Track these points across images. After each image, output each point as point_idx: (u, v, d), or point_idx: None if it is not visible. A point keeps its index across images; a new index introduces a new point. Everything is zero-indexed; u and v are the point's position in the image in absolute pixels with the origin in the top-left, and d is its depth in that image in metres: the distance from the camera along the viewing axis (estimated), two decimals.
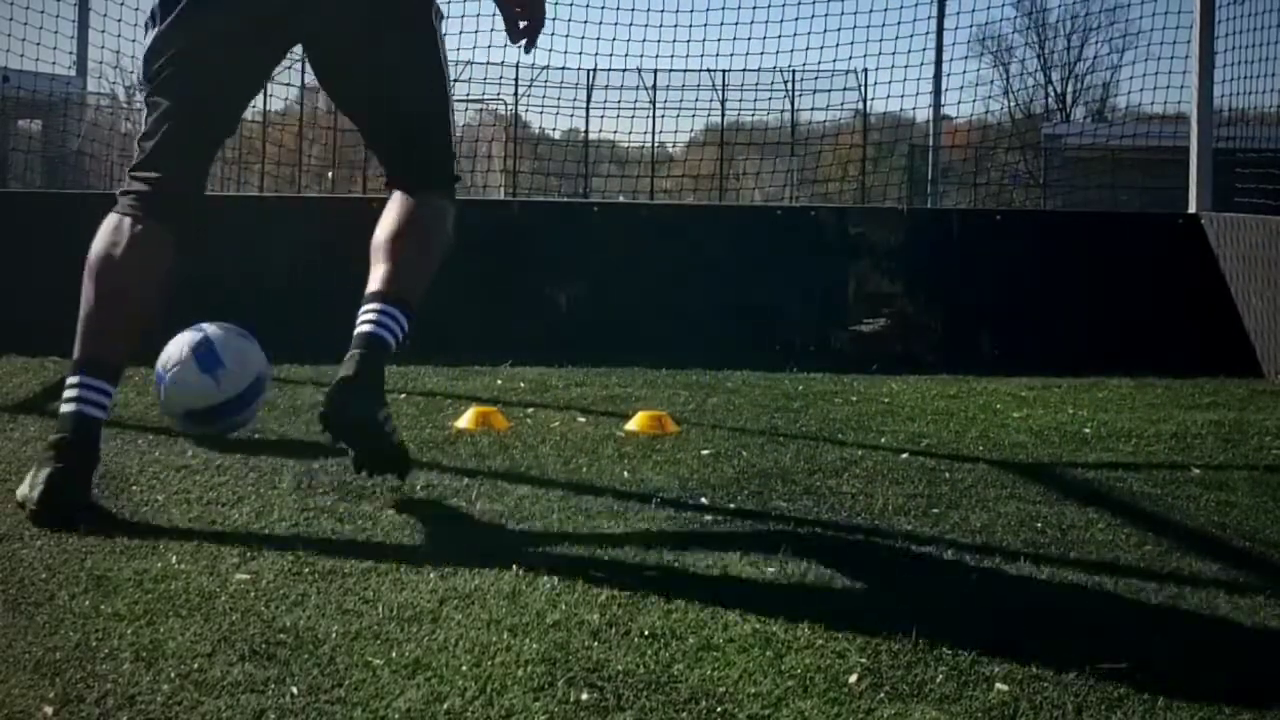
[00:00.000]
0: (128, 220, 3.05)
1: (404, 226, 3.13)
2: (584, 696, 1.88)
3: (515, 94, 19.54)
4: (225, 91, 3.07)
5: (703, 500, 3.08)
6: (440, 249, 3.21)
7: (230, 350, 3.72)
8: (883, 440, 3.90)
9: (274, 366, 5.02)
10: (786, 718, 1.84)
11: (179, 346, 3.73)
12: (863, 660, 2.04)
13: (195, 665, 1.95)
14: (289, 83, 19.79)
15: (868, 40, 15.28)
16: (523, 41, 3.24)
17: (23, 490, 2.83)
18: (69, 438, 2.81)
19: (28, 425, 3.77)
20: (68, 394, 2.87)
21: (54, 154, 15.03)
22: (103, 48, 22.49)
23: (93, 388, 2.86)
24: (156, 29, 3.00)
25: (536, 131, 23.21)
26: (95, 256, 3.02)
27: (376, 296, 3.06)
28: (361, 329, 3.02)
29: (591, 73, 18.93)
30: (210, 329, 3.76)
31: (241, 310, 5.65)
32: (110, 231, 3.06)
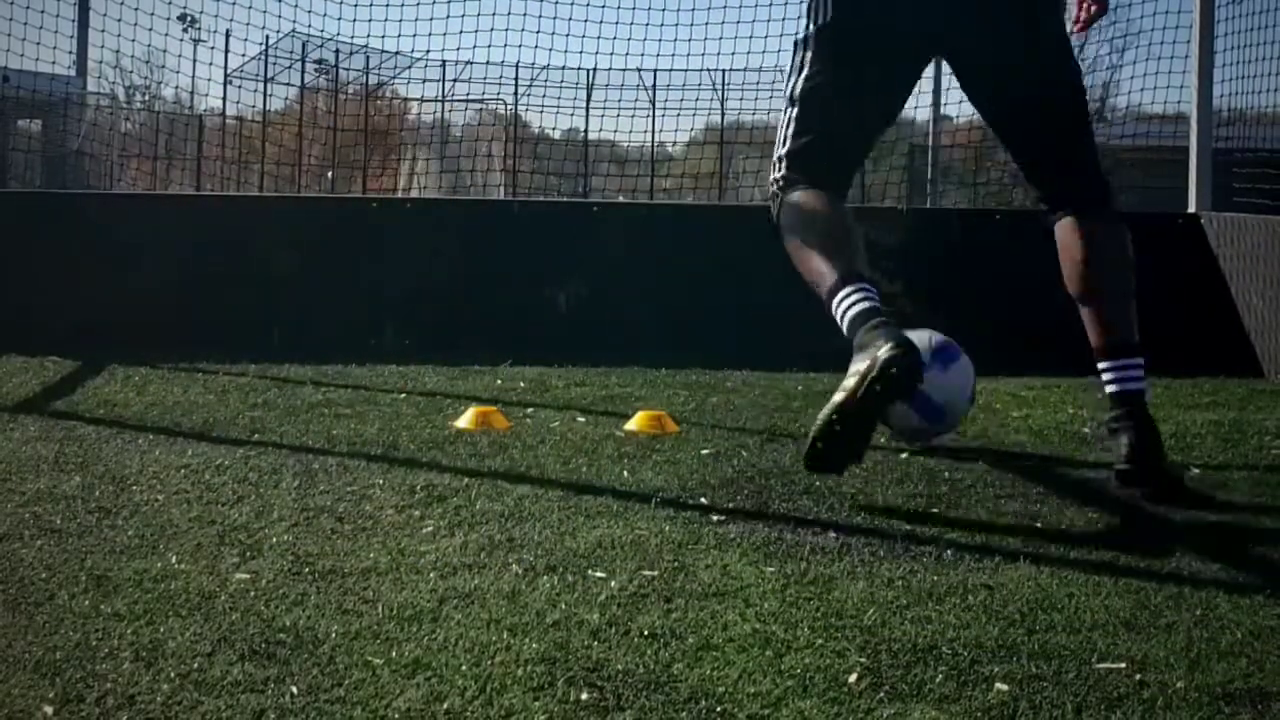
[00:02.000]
0: (801, 191, 3.26)
1: (1097, 263, 3.36)
2: (584, 696, 1.88)
3: (515, 94, 19.55)
4: (868, 111, 3.34)
5: (703, 500, 3.08)
6: (1132, 272, 3.38)
7: (942, 397, 3.64)
8: (883, 440, 3.89)
9: (274, 366, 5.04)
10: (786, 718, 1.84)
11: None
12: (863, 660, 2.04)
13: (195, 665, 1.95)
14: (289, 83, 19.80)
15: None
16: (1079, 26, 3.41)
17: (858, 365, 2.89)
18: (881, 320, 2.94)
19: (28, 425, 3.77)
20: (846, 304, 3.04)
21: (54, 154, 15.04)
22: (103, 48, 22.51)
23: (861, 289, 3.05)
24: (809, 50, 3.27)
25: (536, 131, 23.23)
26: (792, 217, 3.26)
27: (1106, 351, 3.31)
28: (1118, 389, 3.26)
29: (591, 73, 18.94)
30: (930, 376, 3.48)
31: (240, 311, 5.67)
32: (794, 201, 3.27)
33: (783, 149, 3.31)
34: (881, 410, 2.96)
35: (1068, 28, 3.36)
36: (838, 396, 2.88)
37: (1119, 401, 3.24)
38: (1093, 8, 3.39)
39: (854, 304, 3.03)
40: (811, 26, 3.28)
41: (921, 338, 3.53)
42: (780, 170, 3.31)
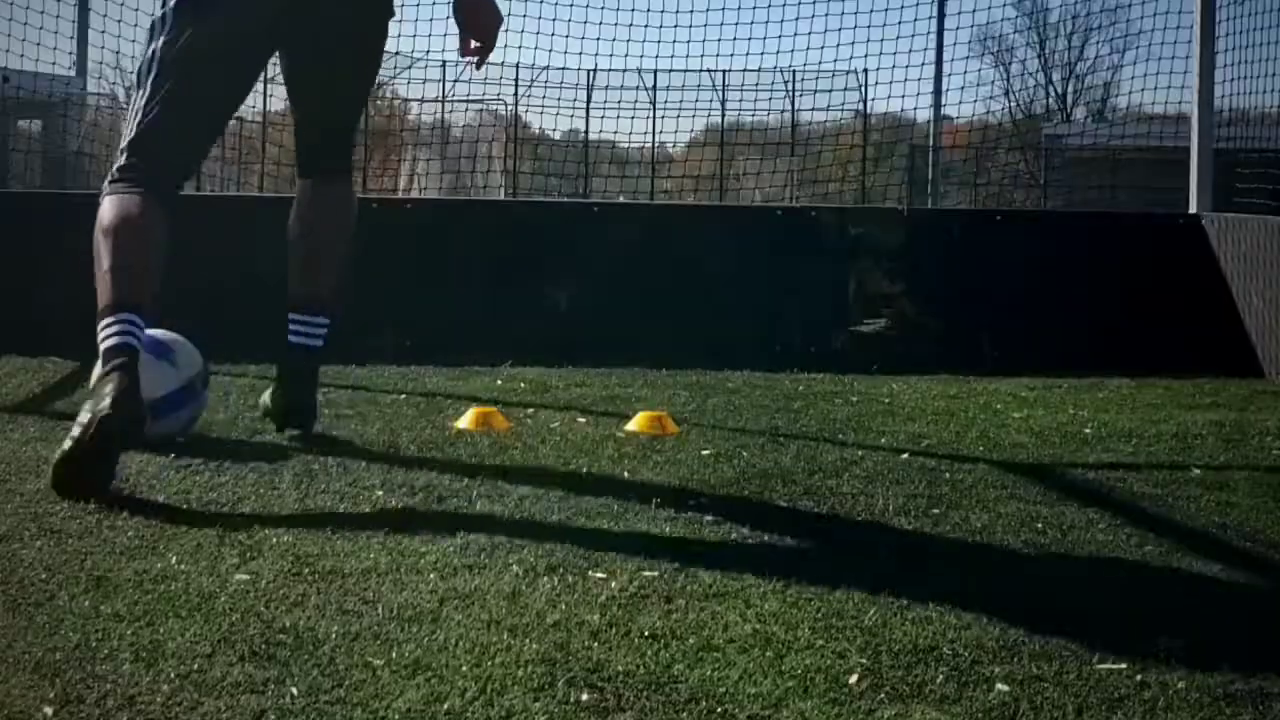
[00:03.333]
0: (130, 195, 3.31)
1: (315, 226, 3.82)
2: (584, 697, 1.88)
3: (515, 94, 19.55)
4: (224, 93, 3.48)
5: (703, 501, 3.08)
6: (346, 243, 3.85)
7: (171, 338, 3.66)
8: (883, 440, 3.90)
9: (274, 366, 5.02)
10: (786, 718, 1.84)
11: None
12: (863, 660, 2.04)
13: (195, 665, 1.95)
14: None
15: (868, 40, 15.30)
16: (472, 59, 3.61)
17: (83, 417, 2.93)
18: (121, 361, 3.06)
19: (28, 425, 3.77)
20: (105, 333, 3.13)
21: (54, 154, 15.04)
22: (103, 48, 22.46)
23: (126, 321, 3.15)
24: (164, 34, 3.29)
25: (536, 132, 23.24)
26: (107, 220, 3.29)
27: (297, 305, 3.80)
28: (296, 341, 3.77)
29: (591, 73, 18.93)
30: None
31: (239, 310, 5.66)
32: (115, 202, 3.31)
33: (130, 135, 3.33)
34: (114, 451, 2.97)
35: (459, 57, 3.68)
36: (67, 444, 2.93)
37: (294, 355, 3.73)
38: (475, 44, 3.59)
39: (110, 336, 3.14)
40: (169, 3, 3.30)
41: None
42: (122, 159, 3.34)
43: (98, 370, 3.08)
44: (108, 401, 2.93)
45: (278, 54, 3.59)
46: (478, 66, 3.61)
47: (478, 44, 3.56)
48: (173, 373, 3.56)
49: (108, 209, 3.30)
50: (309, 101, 3.70)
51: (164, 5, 3.30)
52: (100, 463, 2.92)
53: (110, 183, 3.34)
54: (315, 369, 3.78)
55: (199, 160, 3.80)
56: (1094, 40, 34.67)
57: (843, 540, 2.75)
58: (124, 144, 3.33)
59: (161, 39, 3.28)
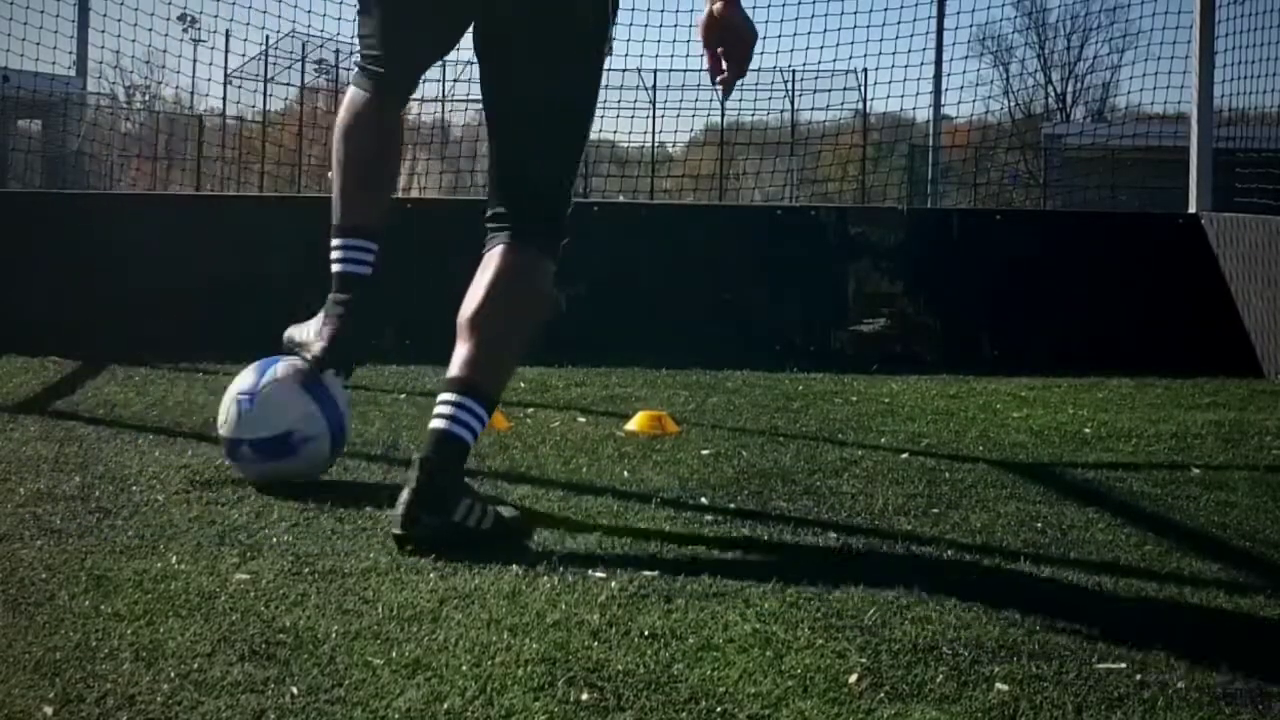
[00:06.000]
0: (365, 97, 3.07)
1: (490, 292, 2.91)
2: (584, 696, 1.88)
3: None
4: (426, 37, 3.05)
5: (703, 500, 3.08)
6: (534, 319, 3.00)
7: (271, 396, 3.19)
8: (883, 440, 3.90)
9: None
10: (786, 718, 1.84)
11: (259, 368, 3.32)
12: (863, 660, 2.04)
13: (195, 665, 1.95)
14: (289, 83, 19.81)
15: (868, 40, 15.32)
16: (721, 83, 2.92)
17: (304, 335, 3.06)
18: (342, 296, 3.04)
19: (28, 425, 3.77)
20: (334, 255, 3.07)
21: (54, 154, 15.05)
22: (103, 48, 22.50)
23: (355, 246, 3.06)
24: None
25: None
26: (342, 124, 3.09)
27: (456, 386, 2.80)
28: (433, 425, 2.78)
29: None
30: (279, 369, 3.23)
31: (241, 311, 5.67)
32: (350, 104, 3.10)
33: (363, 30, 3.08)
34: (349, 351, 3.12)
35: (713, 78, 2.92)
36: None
37: (428, 440, 2.77)
38: (725, 65, 2.88)
39: (337, 260, 3.11)
40: None
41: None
42: (357, 58, 3.16)
43: (326, 308, 3.12)
44: (319, 347, 3.09)
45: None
46: (726, 94, 3.02)
47: (729, 68, 2.88)
48: (234, 418, 3.20)
49: (347, 106, 3.10)
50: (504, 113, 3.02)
51: None
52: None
53: (355, 68, 3.15)
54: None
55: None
56: (1093, 40, 34.72)
57: (843, 540, 2.76)
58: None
59: None
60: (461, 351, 2.84)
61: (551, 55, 2.92)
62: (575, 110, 2.97)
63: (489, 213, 3.02)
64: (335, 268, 3.09)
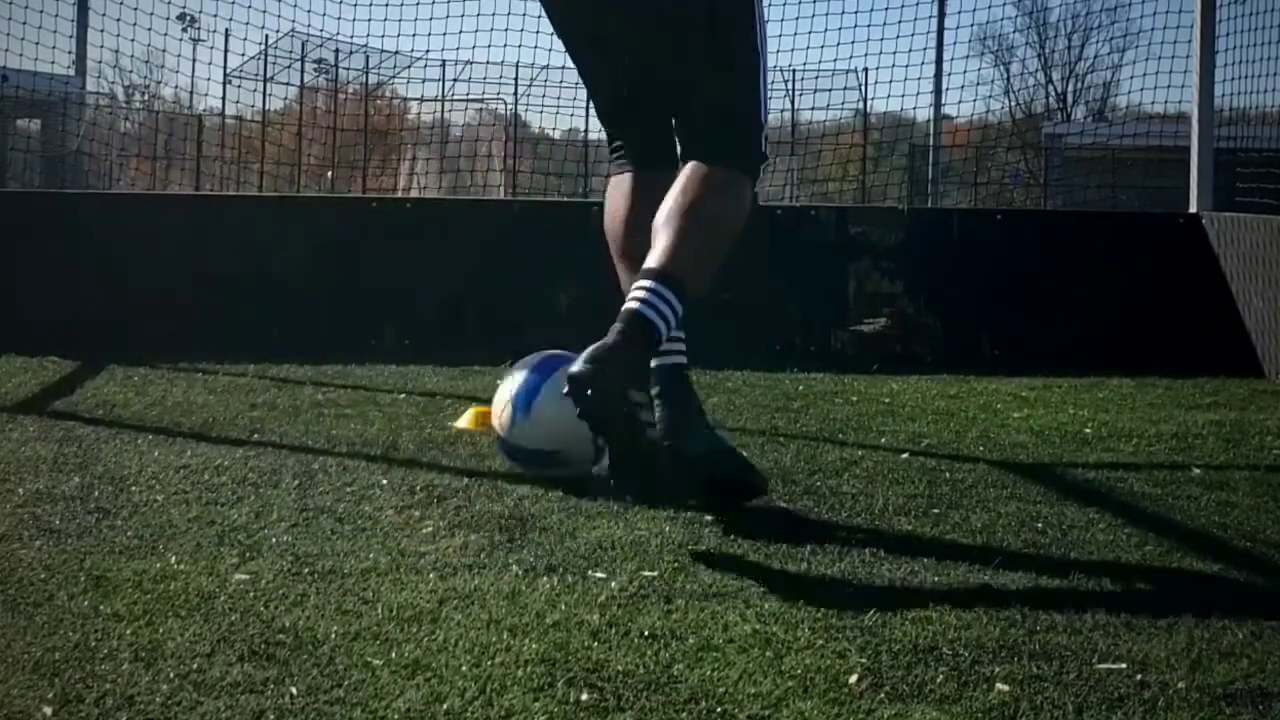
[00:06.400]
0: (619, 176, 3.25)
1: (687, 193, 2.88)
2: (584, 696, 1.88)
3: (515, 94, 19.55)
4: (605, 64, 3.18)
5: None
6: (729, 227, 2.95)
7: (545, 405, 3.26)
8: (883, 440, 3.89)
9: (274, 366, 5.03)
10: (786, 718, 1.84)
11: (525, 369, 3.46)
12: (863, 660, 2.04)
13: (194, 665, 1.95)
14: (289, 82, 19.80)
15: (868, 40, 15.30)
16: None
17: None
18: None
19: (27, 425, 3.77)
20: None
21: (53, 154, 15.04)
22: (102, 47, 22.51)
23: (661, 295, 2.77)
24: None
25: (536, 131, 23.21)
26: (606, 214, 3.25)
27: (649, 273, 2.78)
28: (626, 305, 2.76)
29: None
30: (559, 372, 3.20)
31: (240, 311, 5.67)
32: (611, 187, 3.27)
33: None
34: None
35: None
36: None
37: (620, 317, 2.81)
38: None
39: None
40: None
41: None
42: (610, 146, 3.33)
43: None
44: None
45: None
46: None
47: None
48: (514, 425, 3.30)
49: (610, 188, 3.28)
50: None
51: None
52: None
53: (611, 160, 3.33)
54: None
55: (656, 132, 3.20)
56: (1094, 39, 34.76)
57: (843, 540, 2.75)
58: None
59: None
60: (658, 245, 2.81)
61: None
62: (732, 20, 2.96)
63: (681, 152, 3.02)
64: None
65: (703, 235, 2.86)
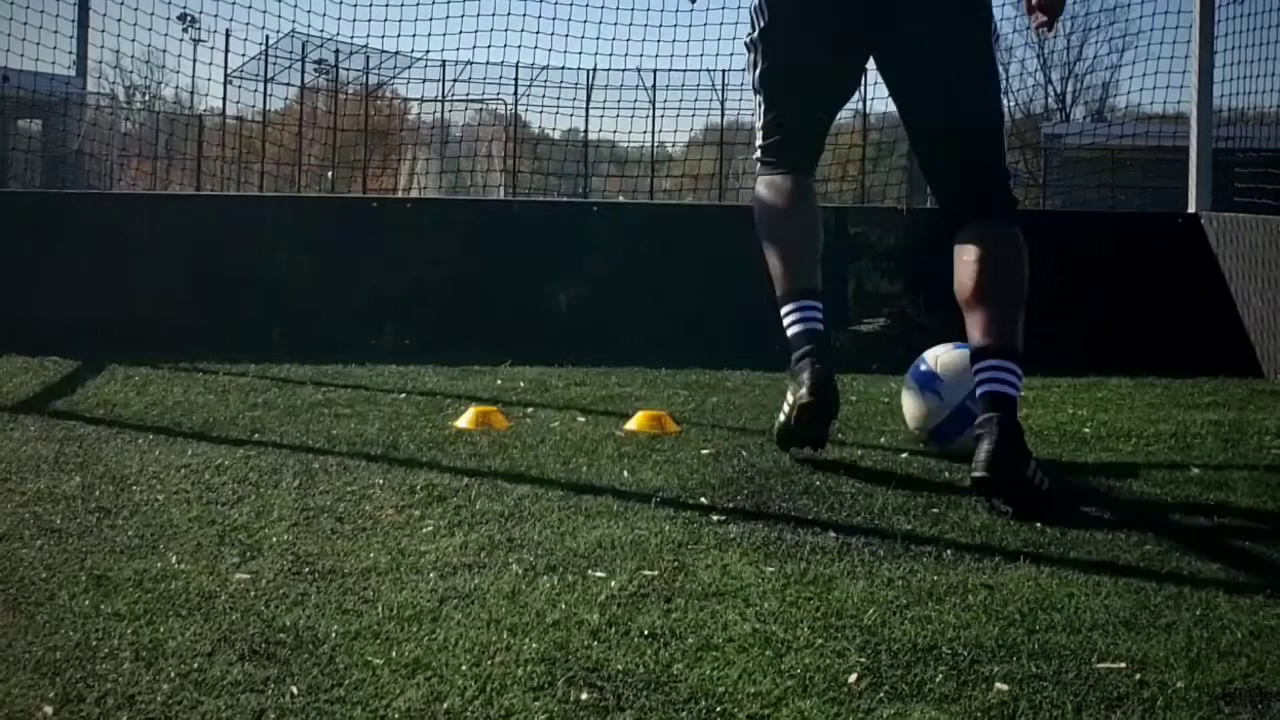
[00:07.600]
0: (772, 178, 3.59)
1: (986, 267, 3.27)
2: (584, 696, 1.88)
3: (515, 94, 19.57)
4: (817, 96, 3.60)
5: (703, 500, 3.08)
6: (1025, 279, 3.32)
7: (939, 370, 3.70)
8: (882, 440, 3.90)
9: (274, 366, 5.04)
10: (786, 718, 1.84)
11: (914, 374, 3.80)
12: (863, 660, 2.04)
13: (195, 665, 1.95)
14: (289, 83, 19.82)
15: None
16: (1043, 23, 3.56)
17: (789, 398, 3.38)
18: (808, 349, 3.36)
19: (28, 425, 3.77)
20: (785, 320, 3.42)
21: (54, 154, 15.05)
22: (102, 47, 22.55)
23: (805, 306, 3.42)
24: (760, 50, 3.56)
25: (536, 131, 23.25)
26: (758, 214, 3.61)
27: (985, 352, 3.19)
28: (988, 389, 3.15)
29: (591, 73, 18.95)
30: (930, 355, 3.77)
31: (241, 310, 5.68)
32: (763, 188, 3.61)
33: (759, 137, 3.63)
34: (817, 424, 3.41)
35: (1030, 26, 3.56)
36: (780, 416, 3.46)
37: (987, 404, 3.14)
38: (1041, 15, 3.55)
39: (792, 324, 3.43)
40: (756, 31, 3.57)
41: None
42: (756, 153, 3.65)
43: (791, 369, 3.41)
44: (805, 390, 3.31)
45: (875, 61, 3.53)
46: (1049, 29, 3.59)
47: (1045, 13, 3.55)
48: (940, 404, 3.64)
49: (761, 193, 3.60)
50: (922, 108, 3.46)
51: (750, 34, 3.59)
52: (809, 432, 3.42)
53: (758, 167, 3.65)
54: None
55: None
56: (1093, 40, 34.73)
57: (843, 540, 2.76)
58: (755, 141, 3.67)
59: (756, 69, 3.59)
60: (979, 321, 3.23)
61: (955, 29, 3.37)
62: (991, 76, 3.45)
63: (946, 203, 3.45)
64: (793, 330, 3.42)
65: (1021, 302, 3.28)
